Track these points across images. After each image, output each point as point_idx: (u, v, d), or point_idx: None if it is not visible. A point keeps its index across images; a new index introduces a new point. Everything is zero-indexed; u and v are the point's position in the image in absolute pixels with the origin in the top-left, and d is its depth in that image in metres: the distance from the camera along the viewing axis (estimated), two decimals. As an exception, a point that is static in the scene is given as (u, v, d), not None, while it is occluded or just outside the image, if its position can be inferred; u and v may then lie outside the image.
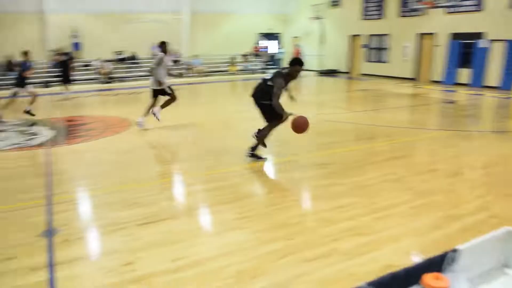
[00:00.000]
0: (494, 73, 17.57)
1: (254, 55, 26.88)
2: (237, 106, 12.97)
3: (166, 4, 24.61)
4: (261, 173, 6.32)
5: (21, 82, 11.01)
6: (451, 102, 13.97)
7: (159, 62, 9.24)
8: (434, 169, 6.36)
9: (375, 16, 22.85)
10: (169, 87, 9.45)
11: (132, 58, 23.44)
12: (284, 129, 8.73)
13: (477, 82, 18.03)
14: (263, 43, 28.22)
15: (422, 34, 20.42)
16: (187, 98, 15.57)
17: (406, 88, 17.73)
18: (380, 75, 22.49)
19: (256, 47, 27.19)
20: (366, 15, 23.39)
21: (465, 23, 18.45)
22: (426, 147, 7.82)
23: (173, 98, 9.53)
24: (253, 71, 25.53)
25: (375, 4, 22.76)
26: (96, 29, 23.21)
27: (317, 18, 24.89)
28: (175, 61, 24.43)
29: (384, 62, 22.66)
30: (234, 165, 6.56)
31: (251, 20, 27.76)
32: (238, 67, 25.42)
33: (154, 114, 9.43)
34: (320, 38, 25.29)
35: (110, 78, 21.49)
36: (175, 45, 24.91)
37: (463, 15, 18.49)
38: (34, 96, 11.22)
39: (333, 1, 25.50)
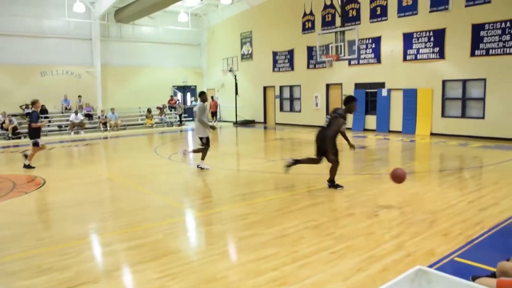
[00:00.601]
0: (396, 118, 18.76)
1: (170, 108, 26.78)
2: (154, 160, 12.64)
3: (77, 57, 24.03)
4: (182, 228, 6.12)
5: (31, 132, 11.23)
6: (362, 147, 14.36)
7: (203, 111, 9.89)
8: (352, 213, 6.51)
9: (286, 68, 23.66)
10: (207, 137, 10.20)
11: (42, 112, 22.34)
12: (204, 183, 8.72)
13: (383, 127, 19.08)
14: (179, 95, 28.34)
15: (330, 84, 21.42)
16: (103, 153, 15.06)
17: None
18: (294, 124, 23.07)
19: (171, 100, 27.17)
20: (277, 67, 24.20)
21: (367, 74, 19.66)
22: (343, 192, 7.92)
23: (206, 149, 10.23)
24: (169, 124, 25.37)
25: (285, 57, 23.62)
26: (1, 81, 21.87)
27: (230, 70, 25.46)
28: (88, 116, 23.66)
29: (297, 111, 23.28)
30: (153, 221, 6.31)
31: (166, 73, 27.82)
32: (154, 120, 25.13)
33: (184, 153, 10.72)
34: (235, 90, 25.81)
35: (16, 133, 20.22)
36: (88, 98, 24.24)
37: (365, 67, 19.73)
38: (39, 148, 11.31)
39: (244, 55, 26.27)
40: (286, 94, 24.10)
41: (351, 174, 9.79)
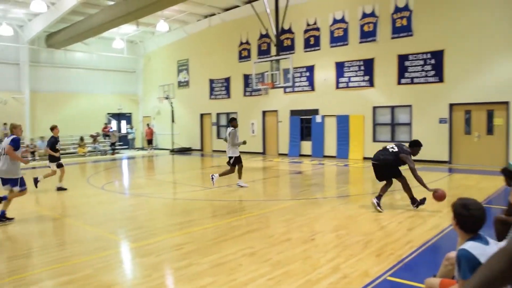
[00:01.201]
0: (330, 144, 19.09)
1: (104, 136, 25.87)
2: (86, 190, 12.07)
3: (3, 82, 22.79)
4: (116, 260, 5.80)
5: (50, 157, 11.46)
6: (298, 172, 14.51)
7: (234, 136, 10.80)
8: (289, 239, 6.48)
9: (223, 96, 23.59)
10: (236, 157, 10.95)
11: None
12: (139, 212, 8.46)
13: (318, 153, 19.31)
14: (113, 123, 27.54)
15: (266, 111, 21.59)
16: (30, 184, 14.28)
17: (256, 162, 18.08)
18: None
19: (105, 127, 26.30)
20: (213, 94, 24.08)
21: (302, 101, 19.99)
22: (280, 218, 7.90)
23: (232, 170, 10.99)
24: (103, 152, 24.49)
25: (221, 84, 23.59)
26: None
27: (167, 98, 25.15)
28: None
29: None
30: (85, 255, 5.95)
31: (101, 100, 27.01)
32: (87, 148, 24.18)
33: (212, 178, 11.08)
34: (171, 117, 25.43)
35: None
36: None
37: (299, 94, 20.06)
38: (54, 172, 11.55)
39: (181, 82, 26.08)
40: (223, 121, 23.92)
41: (288, 199, 9.78)
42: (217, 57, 23.68)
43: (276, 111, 21.19)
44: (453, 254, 3.53)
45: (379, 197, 8.26)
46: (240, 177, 11.23)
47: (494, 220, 4.61)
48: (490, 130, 15.38)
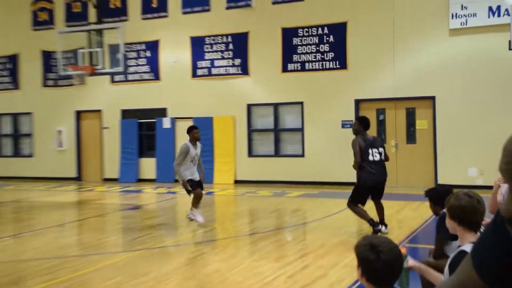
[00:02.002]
0: None
1: None
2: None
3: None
4: None
5: None
6: (135, 207, 14.22)
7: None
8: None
9: (5, 86, 21.60)
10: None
11: None
12: None
13: (167, 176, 18.31)
14: None
15: (83, 112, 20.18)
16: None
17: (67, 194, 17.04)
18: (21, 177, 20.63)
19: None
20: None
21: (140, 96, 19.00)
22: (103, 283, 7.38)
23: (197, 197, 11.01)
24: None
25: (3, 67, 21.27)
26: None
27: None
28: None
29: (26, 156, 21.10)
30: None
31: None
32: None
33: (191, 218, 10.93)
34: None
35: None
36: None
37: (136, 85, 19.08)
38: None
39: None
40: (7, 128, 21.22)
41: (118, 251, 9.45)
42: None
43: (99, 111, 19.44)
44: None
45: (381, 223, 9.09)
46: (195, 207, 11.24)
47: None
48: (411, 137, 15.62)
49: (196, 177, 11.42)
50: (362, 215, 8.95)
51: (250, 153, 17.44)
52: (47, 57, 20.47)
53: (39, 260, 8.75)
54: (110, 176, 19.67)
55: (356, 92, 15.92)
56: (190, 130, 11.41)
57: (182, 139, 17.73)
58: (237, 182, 17.48)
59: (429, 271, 4.14)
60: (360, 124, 9.19)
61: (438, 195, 5.19)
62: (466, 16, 14.61)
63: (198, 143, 11.45)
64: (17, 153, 21.28)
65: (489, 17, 14.44)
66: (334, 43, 16.01)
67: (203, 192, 11.59)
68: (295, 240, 9.68)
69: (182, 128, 18.15)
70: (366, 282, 2.85)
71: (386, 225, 9.17)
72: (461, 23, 14.65)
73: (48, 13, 20.68)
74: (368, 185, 8.92)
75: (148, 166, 19.15)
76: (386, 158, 9.17)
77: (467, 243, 3.50)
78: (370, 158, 8.91)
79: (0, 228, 12.06)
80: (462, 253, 3.31)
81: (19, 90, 21.28)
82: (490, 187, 5.67)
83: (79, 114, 20.19)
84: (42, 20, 20.80)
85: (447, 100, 14.94)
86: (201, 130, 16.74)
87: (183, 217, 12.84)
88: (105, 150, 20.07)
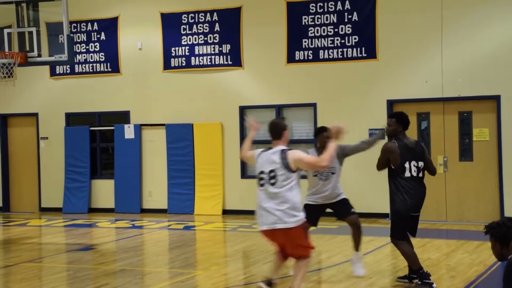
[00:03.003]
0: (155, 184, 18.52)
1: None
2: None
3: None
4: None
5: None
6: (87, 248, 13.87)
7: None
8: None
9: None
10: None
11: None
12: None
13: (131, 205, 18.26)
14: None
15: (10, 117, 20.06)
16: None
17: None
18: None
19: None
20: None
21: (92, 93, 18.67)
22: None
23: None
24: None
25: None
26: None
27: None
28: None
29: None
30: None
31: None
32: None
33: None
34: None
35: None
36: None
37: (87, 79, 18.79)
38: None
39: None
40: None
41: None
42: None
43: (34, 115, 19.07)
44: None
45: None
46: None
47: None
48: (466, 152, 15.20)
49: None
50: (410, 257, 8.46)
51: (244, 173, 17.16)
52: (-41, 40, 20.54)
53: None
54: (50, 205, 19.26)
55: (389, 90, 15.57)
56: (319, 132, 10.23)
57: (152, 154, 18.26)
58: (226, 212, 17.27)
59: None
60: (399, 123, 8.60)
61: (505, 233, 5.02)
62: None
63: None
64: None
65: None
66: (359, 22, 15.66)
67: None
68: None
69: (149, 138, 18.28)
70: None
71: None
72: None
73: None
74: (405, 213, 8.42)
75: (104, 191, 18.90)
76: (431, 171, 8.73)
77: None
78: (407, 174, 8.38)
79: None
80: None
81: None
82: None
83: (5, 119, 20.09)
84: None
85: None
86: (174, 142, 18.10)
87: (152, 261, 12.60)
88: (43, 170, 19.57)
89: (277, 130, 7.59)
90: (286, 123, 8.28)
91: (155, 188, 18.29)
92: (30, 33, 15.20)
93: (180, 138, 17.64)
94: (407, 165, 8.46)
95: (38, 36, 15.19)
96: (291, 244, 7.42)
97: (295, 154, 7.09)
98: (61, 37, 15.19)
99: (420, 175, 8.53)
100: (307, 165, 7.63)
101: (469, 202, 15.25)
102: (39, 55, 15.28)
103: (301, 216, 7.38)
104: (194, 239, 14.79)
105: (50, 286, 10.43)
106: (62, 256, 13.03)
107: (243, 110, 16.99)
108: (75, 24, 18.19)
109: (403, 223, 8.58)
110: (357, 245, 9.73)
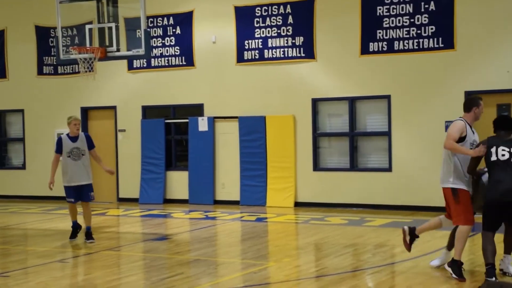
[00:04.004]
0: (229, 176, 18.56)
1: None
2: None
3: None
4: None
5: None
6: (162, 238, 14.06)
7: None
8: None
9: None
10: None
11: None
12: None
13: (204, 196, 18.43)
14: None
15: (90, 109, 20.18)
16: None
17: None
18: (9, 196, 21.25)
19: None
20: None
21: (166, 88, 18.86)
22: None
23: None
24: None
25: None
26: None
27: None
28: None
29: (15, 168, 21.65)
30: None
31: None
32: None
33: None
34: None
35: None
36: None
37: (161, 73, 18.90)
38: None
39: None
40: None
41: None
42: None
43: (112, 108, 19.40)
44: None
45: None
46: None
47: None
48: None
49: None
50: (485, 252, 7.97)
51: (316, 166, 17.04)
52: (43, 36, 20.31)
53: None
54: (127, 195, 19.57)
55: (467, 81, 15.24)
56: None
57: (225, 146, 18.30)
58: (298, 204, 17.13)
59: None
60: (497, 128, 8.32)
61: None
62: None
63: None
64: (3, 164, 21.45)
65: None
66: (436, 12, 15.38)
67: None
68: (379, 287, 9.26)
69: (223, 131, 18.38)
70: None
71: None
72: None
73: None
74: (493, 201, 7.89)
75: (178, 182, 19.02)
76: None
77: None
78: (493, 158, 7.92)
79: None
80: None
81: (5, 79, 21.18)
82: None
83: (86, 112, 20.15)
84: (36, -14, 20.71)
85: None
86: (248, 134, 18.27)
87: (225, 251, 12.67)
88: (120, 161, 19.83)
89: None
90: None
91: (228, 180, 18.32)
92: (110, 28, 15.51)
93: (253, 131, 17.75)
94: (493, 149, 8.07)
95: (117, 31, 15.49)
96: None
97: None
98: (139, 32, 15.48)
99: None
100: None
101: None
102: (118, 50, 15.54)
103: None
104: (266, 231, 14.82)
105: (128, 274, 10.64)
106: (139, 245, 13.29)
107: (315, 102, 16.95)
108: (151, 19, 18.42)
109: (484, 213, 8.26)
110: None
